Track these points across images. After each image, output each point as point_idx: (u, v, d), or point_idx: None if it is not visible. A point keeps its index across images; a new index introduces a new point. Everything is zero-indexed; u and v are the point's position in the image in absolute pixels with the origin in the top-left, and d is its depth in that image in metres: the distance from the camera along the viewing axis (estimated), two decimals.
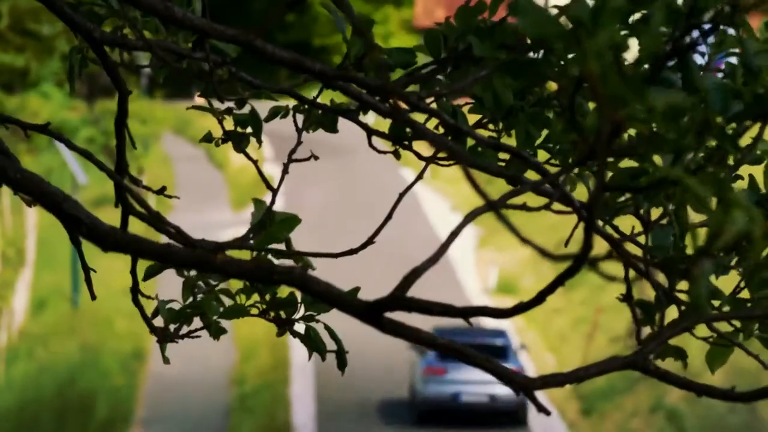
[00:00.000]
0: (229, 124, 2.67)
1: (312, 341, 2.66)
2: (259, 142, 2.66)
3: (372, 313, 2.51)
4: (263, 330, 26.88)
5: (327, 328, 2.64)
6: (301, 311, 2.68)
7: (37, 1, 2.74)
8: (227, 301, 2.68)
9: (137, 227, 2.76)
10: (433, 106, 2.20)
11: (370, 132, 2.35)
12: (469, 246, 36.12)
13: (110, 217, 2.74)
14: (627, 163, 2.26)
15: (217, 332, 2.67)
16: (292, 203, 42.89)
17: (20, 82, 57.93)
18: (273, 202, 2.64)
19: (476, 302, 30.88)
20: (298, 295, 2.69)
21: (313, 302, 2.63)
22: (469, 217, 2.37)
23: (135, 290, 2.67)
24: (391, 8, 68.59)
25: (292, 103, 2.67)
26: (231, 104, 2.60)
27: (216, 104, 2.67)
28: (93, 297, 2.78)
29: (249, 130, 2.64)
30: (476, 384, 23.54)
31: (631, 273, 2.42)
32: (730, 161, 2.18)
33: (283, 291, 2.69)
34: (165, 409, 25.69)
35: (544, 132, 2.20)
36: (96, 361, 27.83)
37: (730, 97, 2.09)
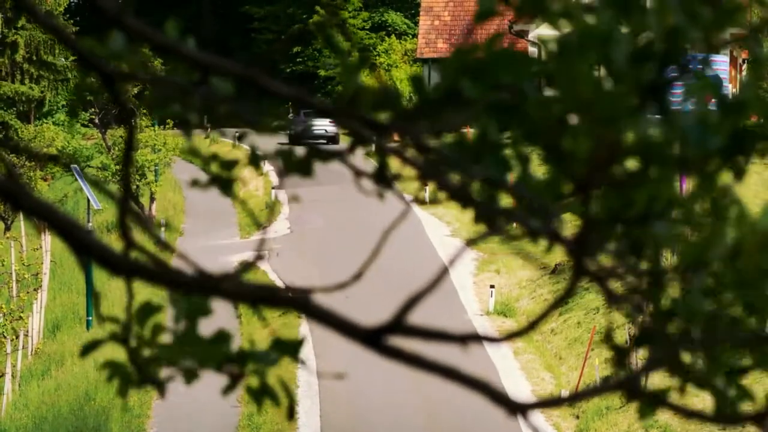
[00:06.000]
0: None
1: (265, 393, 2.72)
2: (260, 172, 2.72)
3: (372, 338, 2.58)
4: None
5: (281, 381, 2.71)
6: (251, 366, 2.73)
7: (51, 35, 2.81)
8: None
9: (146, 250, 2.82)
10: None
11: (358, 173, 2.41)
12: (469, 270, 36.30)
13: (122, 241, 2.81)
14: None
15: (189, 378, 2.73)
16: (295, 227, 42.97)
17: (36, 111, 58.34)
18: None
19: (476, 324, 31.03)
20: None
21: (265, 355, 2.69)
22: (464, 248, 2.44)
23: (127, 329, 2.72)
24: (395, 39, 68.80)
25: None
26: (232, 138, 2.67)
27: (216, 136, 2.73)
28: (100, 320, 2.85)
29: (235, 172, 2.70)
30: (319, 126, 57.03)
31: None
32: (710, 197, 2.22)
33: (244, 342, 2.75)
34: (175, 427, 25.79)
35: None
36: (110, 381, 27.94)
37: (710, 133, 2.13)
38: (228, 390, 2.73)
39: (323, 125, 57.83)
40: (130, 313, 2.72)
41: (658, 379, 2.41)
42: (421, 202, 2.41)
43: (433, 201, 2.41)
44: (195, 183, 2.70)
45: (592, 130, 2.13)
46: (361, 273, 2.55)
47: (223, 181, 2.60)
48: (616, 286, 2.37)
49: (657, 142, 2.14)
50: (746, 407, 2.34)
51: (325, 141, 56.75)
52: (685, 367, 2.27)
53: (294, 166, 2.43)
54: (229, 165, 2.60)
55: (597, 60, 2.12)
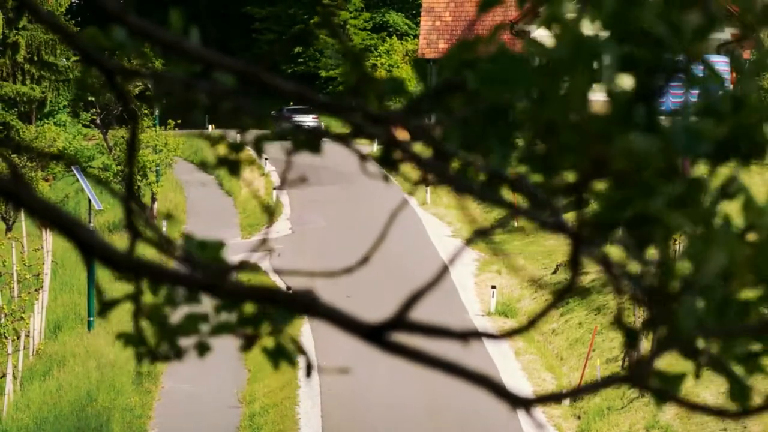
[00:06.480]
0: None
1: (280, 354, 2.72)
2: (261, 165, 2.74)
3: (375, 334, 2.59)
4: None
5: (293, 341, 2.71)
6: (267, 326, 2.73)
7: (53, 33, 2.81)
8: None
9: (148, 251, 2.84)
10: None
11: (363, 158, 2.42)
12: (471, 270, 36.33)
13: (124, 241, 2.82)
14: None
15: (202, 351, 2.73)
16: (296, 228, 43.01)
17: (37, 111, 58.41)
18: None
19: (477, 324, 31.10)
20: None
21: (278, 314, 2.70)
22: (464, 246, 2.46)
23: (137, 312, 2.74)
24: (396, 40, 68.78)
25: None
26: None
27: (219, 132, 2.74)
28: (101, 313, 2.85)
29: (244, 155, 2.71)
30: (303, 122, 56.01)
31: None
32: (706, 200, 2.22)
33: (249, 307, 2.76)
34: (176, 427, 25.82)
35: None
36: (111, 381, 27.99)
37: (697, 139, 2.13)
38: (244, 348, 2.74)
39: (306, 120, 58.75)
40: (138, 311, 2.72)
41: (668, 365, 2.41)
42: (425, 183, 2.41)
43: (434, 183, 2.41)
44: (203, 164, 2.71)
45: (581, 145, 2.14)
46: (367, 258, 2.56)
47: (231, 163, 2.61)
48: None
49: (643, 153, 2.15)
50: (751, 401, 2.35)
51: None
52: (698, 351, 2.27)
53: (302, 144, 2.44)
54: (237, 147, 2.61)
55: (588, 74, 2.13)
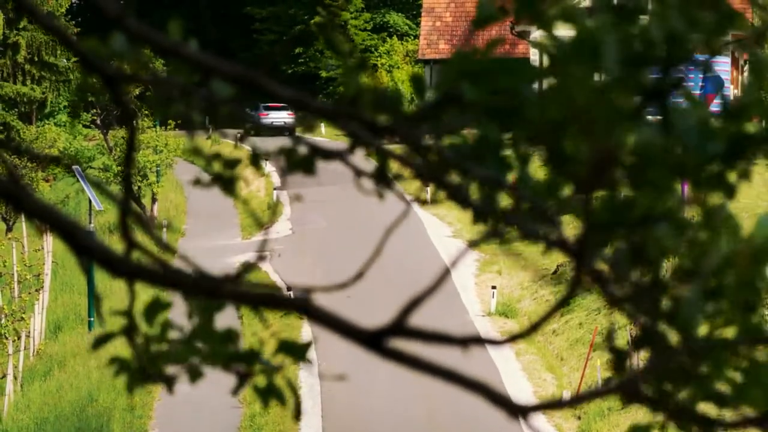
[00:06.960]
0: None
1: (271, 393, 2.71)
2: (261, 173, 2.73)
3: (374, 340, 2.58)
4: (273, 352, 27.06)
5: (288, 381, 2.71)
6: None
7: (52, 36, 2.81)
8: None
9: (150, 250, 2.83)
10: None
11: (359, 173, 2.41)
12: (471, 271, 36.31)
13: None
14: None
15: (194, 377, 2.72)
16: (297, 228, 42.99)
17: (37, 112, 58.46)
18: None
19: (478, 325, 31.03)
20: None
21: (269, 362, 2.69)
22: (466, 249, 2.45)
23: (131, 329, 2.72)
24: (396, 41, 68.73)
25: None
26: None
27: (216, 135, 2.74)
28: (101, 321, 2.85)
29: (237, 171, 2.70)
30: (279, 118, 59.50)
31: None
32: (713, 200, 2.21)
33: (245, 341, 2.75)
34: (177, 427, 25.82)
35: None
36: (112, 381, 28.00)
37: (708, 138, 2.12)
38: (237, 390, 2.73)
39: (282, 117, 60.23)
40: (132, 313, 2.71)
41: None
42: (422, 202, 2.42)
43: (434, 201, 2.41)
44: (197, 182, 2.70)
45: (588, 135, 2.13)
46: (362, 273, 2.55)
47: (225, 180, 2.60)
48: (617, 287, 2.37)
49: (654, 147, 2.14)
50: (748, 411, 2.34)
51: (287, 132, 63.25)
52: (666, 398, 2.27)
53: (296, 165, 2.43)
54: (232, 164, 2.60)
55: (592, 66, 2.13)
